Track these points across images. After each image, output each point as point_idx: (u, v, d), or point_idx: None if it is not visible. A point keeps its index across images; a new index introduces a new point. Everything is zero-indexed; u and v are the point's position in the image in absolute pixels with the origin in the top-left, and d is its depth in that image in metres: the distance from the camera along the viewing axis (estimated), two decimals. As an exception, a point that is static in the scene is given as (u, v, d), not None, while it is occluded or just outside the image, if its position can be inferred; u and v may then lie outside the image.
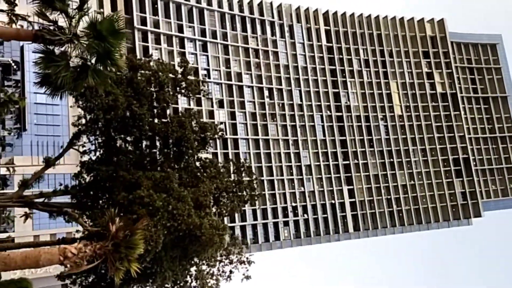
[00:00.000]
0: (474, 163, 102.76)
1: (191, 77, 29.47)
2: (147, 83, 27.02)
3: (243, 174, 31.27)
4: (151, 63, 28.99)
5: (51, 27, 12.88)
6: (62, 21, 13.85)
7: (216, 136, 30.05)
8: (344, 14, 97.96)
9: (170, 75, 28.53)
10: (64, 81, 12.73)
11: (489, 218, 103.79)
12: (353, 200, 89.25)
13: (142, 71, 27.58)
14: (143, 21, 74.78)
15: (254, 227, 78.93)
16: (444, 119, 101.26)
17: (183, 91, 28.88)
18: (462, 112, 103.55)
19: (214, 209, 26.12)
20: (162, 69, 28.00)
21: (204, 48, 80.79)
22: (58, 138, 63.70)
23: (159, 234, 18.57)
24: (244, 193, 29.51)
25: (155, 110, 27.72)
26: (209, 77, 79.72)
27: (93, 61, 13.29)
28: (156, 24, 76.17)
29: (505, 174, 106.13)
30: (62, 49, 13.24)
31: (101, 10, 70.72)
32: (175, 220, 19.63)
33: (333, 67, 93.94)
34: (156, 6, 76.81)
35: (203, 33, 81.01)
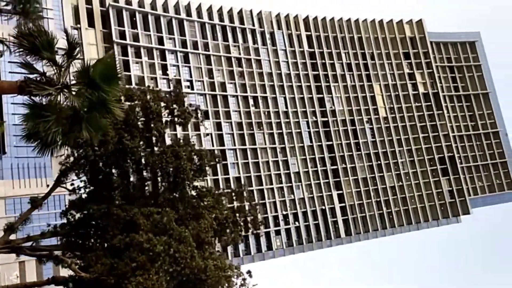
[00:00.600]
0: (460, 160, 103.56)
1: (185, 103, 28.15)
2: (139, 113, 25.78)
3: (244, 201, 30.11)
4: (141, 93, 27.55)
5: (38, 78, 11.68)
6: (50, 70, 12.69)
7: (212, 163, 28.81)
8: (324, 19, 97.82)
9: (162, 103, 27.28)
10: (55, 137, 11.55)
11: (478, 214, 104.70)
12: (343, 204, 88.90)
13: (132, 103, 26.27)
14: (122, 35, 73.16)
15: (245, 238, 77.66)
16: (427, 118, 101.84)
17: (176, 119, 27.63)
18: (445, 111, 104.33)
19: (216, 243, 24.95)
20: (154, 97, 26.74)
21: (186, 59, 79.50)
22: (39, 160, 61.59)
23: (161, 282, 17.37)
24: (247, 222, 28.29)
25: (147, 141, 26.43)
26: (192, 88, 78.50)
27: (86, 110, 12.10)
28: (136, 37, 74.62)
29: (491, 170, 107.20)
30: (52, 98, 12.02)
31: (78, 26, 68.99)
32: (177, 264, 18.42)
33: (316, 72, 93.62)
34: (134, 19, 75.29)
35: (184, 44, 79.71)
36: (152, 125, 25.88)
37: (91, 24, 70.89)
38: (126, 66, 72.58)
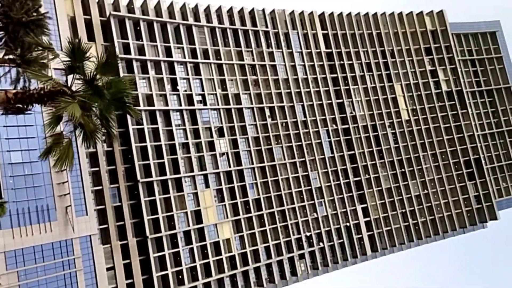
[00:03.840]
0: (484, 161, 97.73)
1: None
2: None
3: None
4: None
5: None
6: None
7: None
8: (340, 15, 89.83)
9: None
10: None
11: (503, 217, 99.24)
12: (368, 219, 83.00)
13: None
14: (126, 49, 64.94)
15: (269, 266, 71.74)
16: (452, 119, 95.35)
17: None
18: (469, 109, 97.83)
19: None
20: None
21: (197, 70, 71.58)
22: (41, 202, 54.34)
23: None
24: None
25: None
26: (205, 104, 70.85)
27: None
28: (141, 50, 66.42)
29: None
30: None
31: (76, 40, 60.21)
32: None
33: (335, 75, 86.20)
34: (138, 28, 66.93)
35: (193, 53, 71.67)
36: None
37: (90, 37, 62.51)
38: (132, 83, 64.51)
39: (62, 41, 57.71)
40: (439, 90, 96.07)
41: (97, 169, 59.78)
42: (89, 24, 62.96)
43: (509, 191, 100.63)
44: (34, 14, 33.81)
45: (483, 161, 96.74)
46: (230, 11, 77.76)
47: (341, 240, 79.48)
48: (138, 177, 61.30)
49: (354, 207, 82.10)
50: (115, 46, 62.95)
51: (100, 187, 59.45)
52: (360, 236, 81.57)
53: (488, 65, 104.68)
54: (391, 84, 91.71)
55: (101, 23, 64.13)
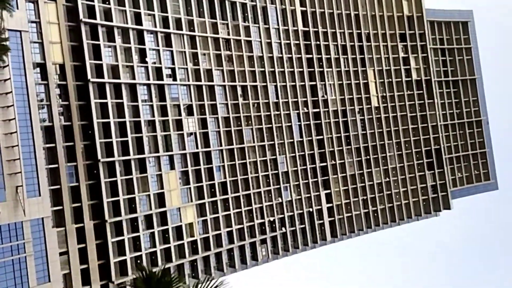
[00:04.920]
0: (443, 151, 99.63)
1: None
2: None
3: None
4: None
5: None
6: None
7: None
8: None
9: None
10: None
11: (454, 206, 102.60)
12: (330, 205, 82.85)
13: None
14: (91, 12, 58.26)
15: (230, 251, 70.15)
16: (418, 108, 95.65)
17: None
18: (435, 100, 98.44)
19: None
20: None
21: (168, 41, 66.08)
22: (-11, 180, 48.86)
23: None
24: None
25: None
26: (175, 79, 65.99)
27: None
28: (108, 15, 59.96)
29: (471, 161, 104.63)
30: None
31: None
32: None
33: (310, 56, 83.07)
34: (105, -11, 60.03)
35: (165, 22, 65.86)
36: None
37: (50, -5, 55.28)
38: (97, 51, 58.52)
39: (17, -2, 50.65)
40: (409, 78, 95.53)
41: (53, 145, 54.43)
42: (49, -19, 55.54)
43: (463, 182, 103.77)
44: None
45: (442, 152, 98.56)
46: (207, -23, 71.74)
47: (303, 226, 79.02)
48: (99, 156, 56.55)
49: (318, 193, 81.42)
50: (79, 8, 56.23)
51: (55, 165, 54.35)
52: (322, 221, 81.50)
53: (457, 55, 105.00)
54: (364, 69, 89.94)
55: (64, -19, 56.79)
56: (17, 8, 50.96)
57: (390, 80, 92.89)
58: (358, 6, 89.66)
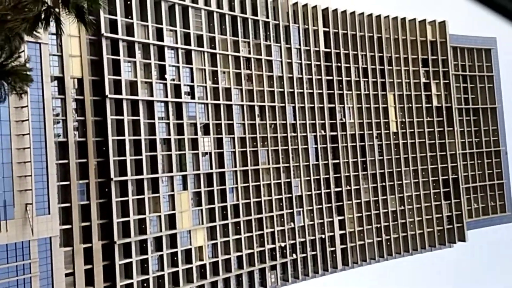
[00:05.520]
0: (461, 181, 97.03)
1: None
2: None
3: None
4: None
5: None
6: None
7: None
8: (344, 13, 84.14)
9: None
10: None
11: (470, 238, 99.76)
12: (343, 232, 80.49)
13: None
14: (113, 26, 56.81)
15: (238, 276, 67.99)
16: (437, 136, 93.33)
17: None
18: (455, 128, 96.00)
19: None
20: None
21: (188, 58, 64.51)
22: (-2, 196, 47.32)
23: None
24: None
25: None
26: (193, 97, 64.33)
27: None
28: (130, 29, 58.49)
29: (487, 191, 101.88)
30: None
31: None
32: None
33: (330, 77, 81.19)
34: (129, 2, 58.63)
35: (186, 38, 64.35)
36: None
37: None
38: (116, 66, 57.04)
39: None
40: (430, 105, 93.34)
41: (65, 161, 52.79)
42: (72, -8, 54.15)
43: (479, 213, 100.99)
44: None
45: (460, 181, 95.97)
46: (230, -6, 70.33)
47: (314, 252, 76.73)
48: (112, 175, 54.83)
49: (331, 219, 79.17)
50: (101, 22, 54.83)
51: (67, 182, 52.67)
52: (334, 249, 79.15)
53: (478, 83, 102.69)
54: (384, 93, 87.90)
55: (87, -7, 55.36)
56: (38, 20, 49.48)
57: (410, 105, 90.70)
58: (381, 29, 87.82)
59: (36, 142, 49.35)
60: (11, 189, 47.81)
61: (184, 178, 62.70)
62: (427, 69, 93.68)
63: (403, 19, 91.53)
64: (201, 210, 63.78)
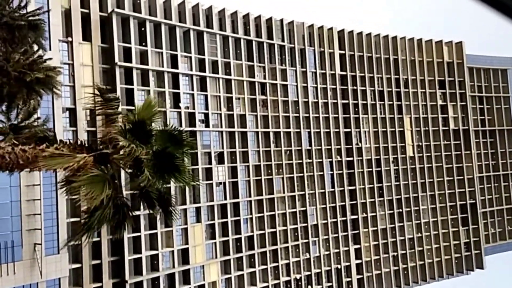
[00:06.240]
0: (479, 206, 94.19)
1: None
2: None
3: None
4: None
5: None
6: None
7: None
8: (360, 34, 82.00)
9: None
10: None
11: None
12: (359, 261, 77.69)
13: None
14: (127, 54, 54.71)
15: (252, 310, 65.23)
16: (454, 159, 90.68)
17: None
18: (473, 151, 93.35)
19: None
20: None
21: (203, 84, 62.32)
22: (5, 236, 44.89)
23: None
24: None
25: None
26: (208, 125, 62.03)
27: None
28: (144, 56, 56.35)
29: (504, 215, 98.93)
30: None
31: (69, 38, 50.06)
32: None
33: (346, 101, 78.90)
34: (143, 29, 56.59)
35: (201, 65, 62.20)
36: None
37: (86, 35, 51.97)
38: (129, 95, 54.84)
39: (52, 39, 47.21)
40: (447, 128, 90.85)
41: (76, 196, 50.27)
42: (85, 20, 52.23)
43: (496, 238, 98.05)
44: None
45: (478, 206, 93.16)
46: (246, 17, 68.30)
47: (330, 284, 73.90)
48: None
49: (347, 248, 76.44)
50: (114, 50, 52.75)
51: (77, 219, 50.17)
52: (350, 279, 76.30)
53: (495, 104, 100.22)
54: (400, 116, 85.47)
55: (100, 19, 53.45)
56: (50, 49, 47.44)
57: (427, 128, 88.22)
58: (397, 50, 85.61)
59: (46, 178, 46.97)
60: (19, 228, 45.42)
61: (198, 210, 60.22)
62: (444, 91, 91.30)
63: (419, 40, 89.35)
64: (215, 243, 61.22)
